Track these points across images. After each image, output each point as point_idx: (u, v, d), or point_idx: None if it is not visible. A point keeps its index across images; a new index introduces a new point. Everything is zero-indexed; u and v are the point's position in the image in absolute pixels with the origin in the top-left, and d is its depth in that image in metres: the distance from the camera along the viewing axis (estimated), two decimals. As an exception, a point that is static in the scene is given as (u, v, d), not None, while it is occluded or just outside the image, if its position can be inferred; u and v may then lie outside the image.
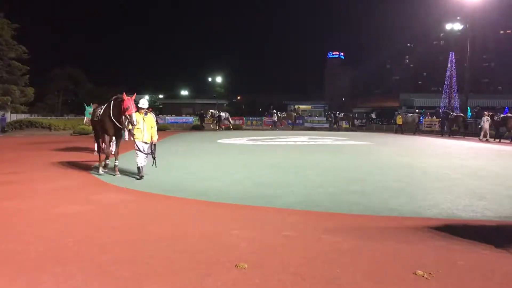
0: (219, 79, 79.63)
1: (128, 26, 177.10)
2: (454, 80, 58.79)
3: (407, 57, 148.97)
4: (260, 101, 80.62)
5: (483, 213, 6.32)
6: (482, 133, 25.38)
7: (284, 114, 46.14)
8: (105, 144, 10.26)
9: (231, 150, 17.69)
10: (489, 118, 25.51)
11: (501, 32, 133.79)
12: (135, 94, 9.61)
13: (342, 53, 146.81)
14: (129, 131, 9.91)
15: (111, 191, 7.95)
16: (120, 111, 9.31)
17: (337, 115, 44.59)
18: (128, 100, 9.10)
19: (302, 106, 74.53)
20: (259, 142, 21.75)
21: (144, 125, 9.39)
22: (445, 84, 59.87)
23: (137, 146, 9.31)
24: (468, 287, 3.55)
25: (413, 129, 34.92)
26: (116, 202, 6.94)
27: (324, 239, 4.95)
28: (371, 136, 29.89)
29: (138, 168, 9.30)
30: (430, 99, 69.50)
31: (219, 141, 23.09)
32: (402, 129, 35.27)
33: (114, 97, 9.67)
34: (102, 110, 9.96)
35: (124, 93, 9.35)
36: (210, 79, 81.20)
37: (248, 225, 5.53)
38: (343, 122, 42.92)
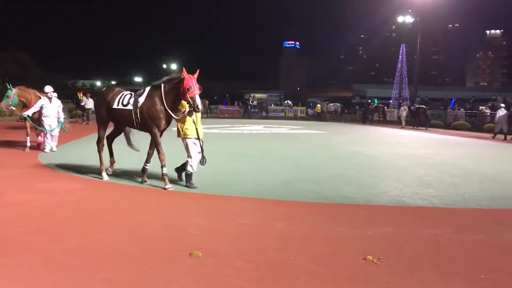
0: (174, 66, 78.38)
1: (76, 7, 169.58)
2: (404, 72, 60.62)
3: (361, 48, 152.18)
4: (215, 89, 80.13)
5: (429, 200, 6.59)
6: (403, 122, 29.30)
7: (255, 103, 46.04)
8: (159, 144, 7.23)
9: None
10: (406, 108, 29.74)
11: (449, 26, 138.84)
12: (198, 71, 7.03)
13: (297, 43, 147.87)
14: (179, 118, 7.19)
15: (61, 179, 7.69)
16: (178, 94, 6.84)
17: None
18: (190, 78, 6.73)
19: (258, 95, 74.61)
20: (214, 131, 21.66)
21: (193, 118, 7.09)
22: (396, 76, 61.63)
23: (190, 145, 7.19)
24: (414, 271, 3.70)
25: (336, 118, 37.55)
26: (66, 191, 6.73)
27: (278, 227, 5.01)
28: (325, 125, 30.41)
29: (190, 175, 7.18)
30: (382, 89, 71.32)
31: (174, 129, 22.77)
32: (321, 117, 38.34)
33: (165, 79, 7.17)
34: (141, 97, 7.15)
35: (184, 69, 6.84)
36: (164, 66, 79.82)
37: (203, 213, 5.52)
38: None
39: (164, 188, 6.88)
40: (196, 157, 7.13)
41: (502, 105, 21.51)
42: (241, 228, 4.95)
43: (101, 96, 8.01)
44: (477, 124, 27.67)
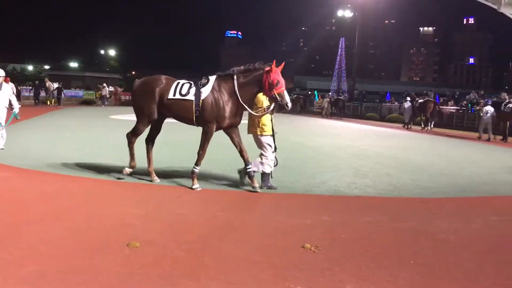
0: (112, 52, 75.77)
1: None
2: (343, 65, 62.28)
3: (302, 40, 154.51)
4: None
5: (365, 190, 6.83)
6: (323, 112, 33.13)
7: None
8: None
9: (125, 126, 17.04)
10: (328, 100, 33.97)
11: (386, 21, 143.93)
12: (284, 63, 6.30)
13: (239, 33, 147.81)
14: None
15: (-12, 168, 7.23)
16: (258, 88, 6.16)
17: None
18: (277, 72, 6.01)
19: (199, 84, 73.92)
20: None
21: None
22: (336, 68, 63.21)
23: (267, 143, 6.42)
24: (350, 258, 3.82)
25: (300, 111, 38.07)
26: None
27: (219, 216, 5.01)
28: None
29: (268, 175, 6.46)
30: (321, 82, 72.88)
31: (112, 116, 22.13)
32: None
33: (238, 69, 6.32)
34: (205, 87, 6.29)
35: (274, 62, 6.10)
36: (102, 52, 76.98)
37: (142, 204, 5.40)
38: None
39: (191, 188, 6.22)
40: (271, 155, 6.44)
41: (408, 98, 24.09)
42: (181, 218, 4.90)
43: (145, 86, 6.61)
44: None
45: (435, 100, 24.34)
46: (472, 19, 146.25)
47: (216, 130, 6.39)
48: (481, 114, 18.30)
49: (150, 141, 6.96)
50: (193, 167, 6.33)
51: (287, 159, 9.67)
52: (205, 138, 6.38)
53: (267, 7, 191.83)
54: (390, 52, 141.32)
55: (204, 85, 6.32)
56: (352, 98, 41.71)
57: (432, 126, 21.95)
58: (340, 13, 56.02)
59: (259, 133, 6.39)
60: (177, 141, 11.93)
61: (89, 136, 13.00)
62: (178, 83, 6.47)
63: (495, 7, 27.13)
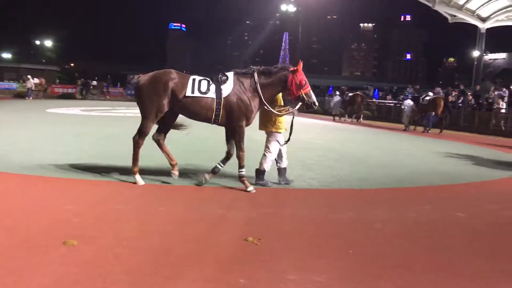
0: (48, 43, 72.51)
1: None
2: (287, 59, 63.14)
3: (246, 34, 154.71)
4: (96, 69, 75.76)
5: (309, 182, 6.96)
6: None
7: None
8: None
9: (62, 120, 16.47)
10: None
11: (328, 17, 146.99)
12: (301, 62, 6.29)
13: (184, 25, 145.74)
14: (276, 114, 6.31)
15: None
16: (282, 88, 6.19)
17: None
18: (302, 73, 6.10)
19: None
20: (94, 113, 20.57)
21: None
22: (280, 62, 63.90)
23: (277, 140, 6.51)
24: (293, 249, 3.89)
25: None
26: None
27: (161, 211, 4.93)
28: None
29: (263, 172, 6.56)
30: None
31: (49, 110, 21.20)
32: None
33: (258, 68, 6.23)
34: (225, 85, 6.08)
35: (301, 63, 6.20)
36: (38, 42, 73.45)
37: (80, 200, 5.21)
38: None
39: (247, 191, 6.01)
40: (275, 154, 6.52)
41: (337, 92, 25.87)
42: (120, 213, 4.77)
43: (155, 80, 6.09)
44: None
45: (363, 94, 25.76)
46: (409, 16, 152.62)
47: (246, 126, 6.21)
48: (402, 107, 20.25)
49: (159, 138, 6.47)
50: (239, 171, 6.14)
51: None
52: (240, 138, 6.17)
53: (211, 0, 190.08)
54: (332, 47, 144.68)
55: (224, 82, 6.10)
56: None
57: (361, 119, 23.92)
58: (283, 7, 56.59)
59: (274, 130, 6.42)
60: (111, 134, 11.62)
61: (24, 131, 12.37)
62: (194, 79, 6.10)
63: (430, 4, 28.57)
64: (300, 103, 6.18)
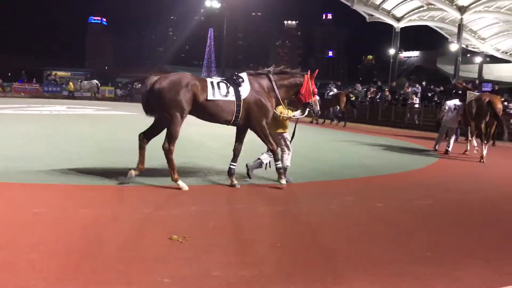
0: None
1: None
2: (212, 55, 62.93)
3: (171, 29, 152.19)
4: (9, 64, 70.82)
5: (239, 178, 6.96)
6: None
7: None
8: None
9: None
10: None
11: (253, 14, 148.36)
12: (317, 71, 6.61)
13: (104, 19, 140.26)
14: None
15: None
16: (294, 92, 6.44)
17: None
18: (311, 80, 6.40)
19: (61, 73, 68.68)
20: (7, 111, 19.25)
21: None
22: (205, 58, 63.61)
23: (287, 140, 6.84)
24: (217, 246, 3.87)
25: (93, 97, 37.29)
26: None
27: (82, 213, 4.69)
28: (133, 106, 29.65)
29: (284, 169, 6.57)
30: (192, 72, 72.51)
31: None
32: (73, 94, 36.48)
33: (273, 69, 6.43)
34: (242, 86, 6.14)
35: (316, 71, 6.55)
36: None
37: (-10, 205, 4.84)
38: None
39: (279, 183, 6.25)
40: (291, 149, 6.86)
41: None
42: (37, 217, 4.49)
43: (176, 84, 5.80)
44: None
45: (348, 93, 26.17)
46: (330, 14, 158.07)
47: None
48: None
49: (146, 139, 6.30)
50: (275, 164, 6.26)
51: (156, 150, 9.46)
52: (265, 136, 6.27)
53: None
54: (257, 44, 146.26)
55: (240, 84, 6.13)
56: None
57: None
58: (208, 3, 56.18)
59: (282, 131, 6.76)
60: (40, 136, 10.97)
61: None
62: (212, 82, 6.05)
63: (349, 4, 29.75)
64: (307, 109, 6.53)
